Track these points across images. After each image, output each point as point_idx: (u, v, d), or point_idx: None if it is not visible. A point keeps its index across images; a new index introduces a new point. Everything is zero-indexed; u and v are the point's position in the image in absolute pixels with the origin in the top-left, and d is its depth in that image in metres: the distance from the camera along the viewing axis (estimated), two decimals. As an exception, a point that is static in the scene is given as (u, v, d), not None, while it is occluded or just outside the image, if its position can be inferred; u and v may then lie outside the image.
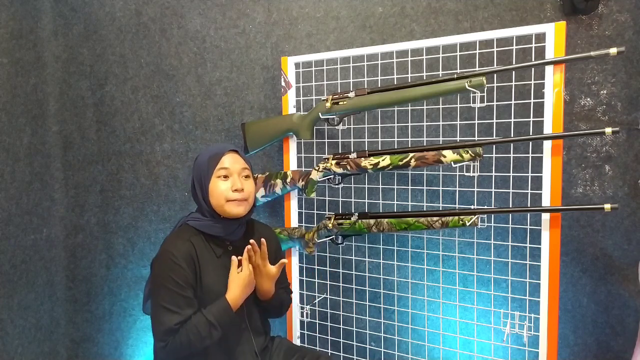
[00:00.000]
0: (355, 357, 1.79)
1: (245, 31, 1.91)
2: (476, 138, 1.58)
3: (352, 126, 1.75)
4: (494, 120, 1.52)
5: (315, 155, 1.80)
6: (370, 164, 1.49)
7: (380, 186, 1.74)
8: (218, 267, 1.27)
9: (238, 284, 1.24)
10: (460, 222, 1.38)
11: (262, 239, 1.29)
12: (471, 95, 1.36)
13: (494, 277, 1.59)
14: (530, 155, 1.47)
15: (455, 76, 1.38)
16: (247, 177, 1.31)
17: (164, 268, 1.20)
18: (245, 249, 1.26)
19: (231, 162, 1.28)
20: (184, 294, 1.19)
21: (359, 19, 1.76)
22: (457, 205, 1.63)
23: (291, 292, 1.52)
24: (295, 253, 1.76)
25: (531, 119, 1.47)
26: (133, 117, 2.08)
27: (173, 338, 1.16)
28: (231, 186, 1.26)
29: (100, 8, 2.06)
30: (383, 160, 1.47)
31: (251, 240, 1.26)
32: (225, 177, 1.27)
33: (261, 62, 1.90)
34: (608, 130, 1.26)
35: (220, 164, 1.27)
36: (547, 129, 1.34)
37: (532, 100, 1.48)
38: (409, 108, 1.65)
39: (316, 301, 1.82)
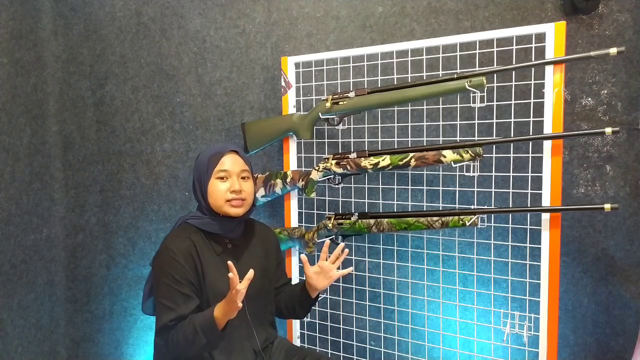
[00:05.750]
0: (355, 357, 1.79)
1: (245, 31, 1.91)
2: (476, 138, 1.58)
3: (352, 126, 1.75)
4: (494, 120, 1.51)
5: (315, 155, 1.80)
6: (370, 164, 1.49)
7: (380, 186, 1.74)
8: (219, 264, 1.28)
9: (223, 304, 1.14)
10: (460, 222, 1.38)
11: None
12: (471, 95, 1.36)
13: (494, 277, 1.59)
14: (530, 155, 1.47)
15: (455, 76, 1.38)
16: (246, 178, 1.32)
17: (163, 264, 1.22)
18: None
19: (231, 163, 1.29)
20: (181, 290, 1.19)
21: (359, 19, 1.76)
22: (457, 205, 1.63)
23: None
24: (295, 253, 1.76)
25: (531, 119, 1.47)
26: (133, 117, 2.08)
27: (169, 335, 1.16)
28: (229, 187, 1.27)
29: (100, 8, 2.06)
30: (383, 160, 1.47)
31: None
32: (224, 178, 1.28)
33: (261, 62, 1.90)
34: (608, 130, 1.26)
35: (219, 165, 1.28)
36: (547, 129, 1.34)
37: (532, 100, 1.48)
38: (409, 108, 1.65)
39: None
